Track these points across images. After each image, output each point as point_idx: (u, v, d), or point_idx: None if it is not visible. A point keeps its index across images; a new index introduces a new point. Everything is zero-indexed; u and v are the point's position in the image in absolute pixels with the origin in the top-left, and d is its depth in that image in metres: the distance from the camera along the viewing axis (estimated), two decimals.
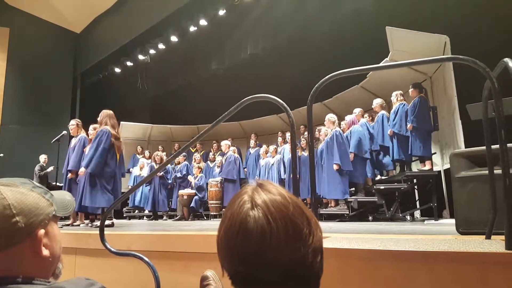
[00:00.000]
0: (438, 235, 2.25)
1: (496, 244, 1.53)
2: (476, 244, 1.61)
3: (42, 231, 0.78)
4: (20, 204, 0.75)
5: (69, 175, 5.21)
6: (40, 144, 9.23)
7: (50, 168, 8.16)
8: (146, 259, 1.84)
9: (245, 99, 1.75)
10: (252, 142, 9.54)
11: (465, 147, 4.66)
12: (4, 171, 9.17)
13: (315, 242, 0.63)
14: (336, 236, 2.20)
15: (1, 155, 7.72)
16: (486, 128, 1.89)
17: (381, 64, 1.81)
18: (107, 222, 4.38)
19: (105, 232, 2.84)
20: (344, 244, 1.61)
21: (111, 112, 4.89)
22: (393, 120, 5.69)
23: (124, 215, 9.63)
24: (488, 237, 1.84)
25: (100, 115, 4.88)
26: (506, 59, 1.43)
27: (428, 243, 1.68)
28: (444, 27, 5.27)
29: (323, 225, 4.38)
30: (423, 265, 1.37)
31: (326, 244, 1.62)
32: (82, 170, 4.63)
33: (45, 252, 0.78)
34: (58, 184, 7.47)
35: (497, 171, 2.06)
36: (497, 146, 1.76)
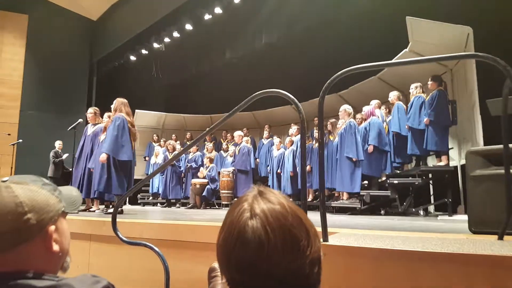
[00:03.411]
0: (449, 233, 2.22)
1: (508, 246, 1.50)
2: (488, 245, 1.58)
3: (52, 227, 0.80)
4: (31, 201, 0.77)
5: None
6: (57, 130, 9.42)
7: (65, 155, 8.33)
8: (156, 249, 1.87)
9: (256, 93, 1.73)
10: (265, 133, 9.53)
11: (484, 143, 4.54)
12: (23, 156, 9.43)
13: (313, 253, 0.62)
14: (345, 232, 2.18)
15: (21, 140, 7.91)
16: (505, 125, 1.84)
17: (395, 61, 1.77)
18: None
19: (117, 220, 2.90)
20: (352, 242, 1.60)
21: (125, 100, 4.93)
22: (408, 113, 5.56)
23: (139, 202, 9.81)
24: (501, 238, 1.80)
25: (114, 102, 4.92)
26: None
27: (438, 242, 1.65)
28: (467, 18, 5.08)
29: (334, 218, 4.37)
30: (431, 266, 1.35)
31: (333, 240, 1.62)
32: (103, 156, 4.60)
33: (55, 247, 0.81)
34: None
35: None
36: None
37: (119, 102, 4.88)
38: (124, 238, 1.97)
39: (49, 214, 0.80)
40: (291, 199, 0.69)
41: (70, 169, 7.95)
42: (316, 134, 7.66)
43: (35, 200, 0.78)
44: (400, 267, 1.40)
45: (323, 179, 1.67)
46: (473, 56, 1.71)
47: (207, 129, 2.11)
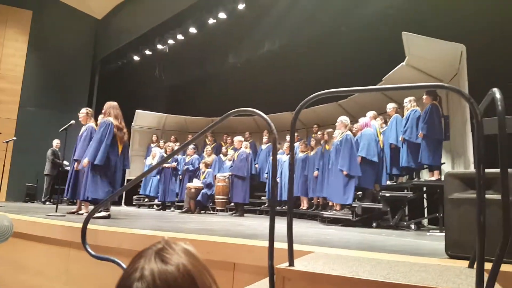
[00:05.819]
0: (424, 257, 2.20)
1: (472, 278, 1.49)
2: (454, 275, 1.58)
3: None
4: None
5: (75, 164, 5.30)
6: (56, 128, 9.44)
7: (66, 163, 8.33)
8: (124, 265, 1.87)
9: (230, 112, 1.74)
10: (265, 138, 9.54)
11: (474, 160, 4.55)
12: (20, 152, 9.45)
13: None
14: (320, 251, 2.18)
15: (14, 138, 7.90)
16: (478, 149, 1.83)
17: (369, 87, 1.77)
18: (103, 213, 4.47)
19: (99, 228, 2.90)
20: (317, 267, 1.60)
21: (115, 103, 4.94)
22: (404, 126, 5.61)
23: (134, 203, 9.82)
24: (471, 266, 1.79)
25: (104, 106, 4.94)
26: (494, 90, 1.37)
27: (406, 269, 1.65)
28: (461, 35, 5.13)
29: (322, 231, 4.35)
30: None
31: (299, 265, 1.62)
32: (85, 161, 4.65)
33: None
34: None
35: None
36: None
37: (108, 105, 4.89)
38: (92, 253, 1.96)
39: None
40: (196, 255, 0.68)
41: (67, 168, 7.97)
42: (312, 142, 7.66)
43: None
44: None
45: (292, 198, 1.67)
46: (439, 86, 1.71)
47: (191, 137, 2.11)
